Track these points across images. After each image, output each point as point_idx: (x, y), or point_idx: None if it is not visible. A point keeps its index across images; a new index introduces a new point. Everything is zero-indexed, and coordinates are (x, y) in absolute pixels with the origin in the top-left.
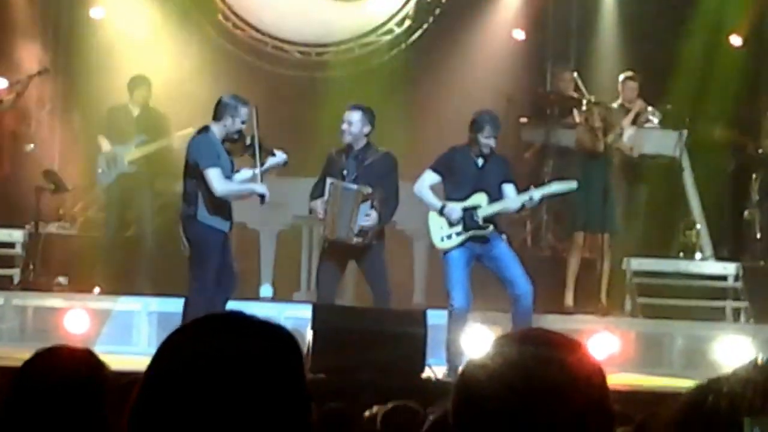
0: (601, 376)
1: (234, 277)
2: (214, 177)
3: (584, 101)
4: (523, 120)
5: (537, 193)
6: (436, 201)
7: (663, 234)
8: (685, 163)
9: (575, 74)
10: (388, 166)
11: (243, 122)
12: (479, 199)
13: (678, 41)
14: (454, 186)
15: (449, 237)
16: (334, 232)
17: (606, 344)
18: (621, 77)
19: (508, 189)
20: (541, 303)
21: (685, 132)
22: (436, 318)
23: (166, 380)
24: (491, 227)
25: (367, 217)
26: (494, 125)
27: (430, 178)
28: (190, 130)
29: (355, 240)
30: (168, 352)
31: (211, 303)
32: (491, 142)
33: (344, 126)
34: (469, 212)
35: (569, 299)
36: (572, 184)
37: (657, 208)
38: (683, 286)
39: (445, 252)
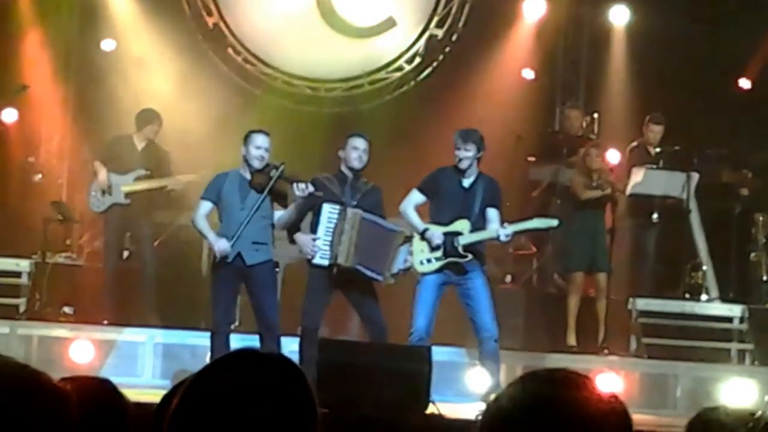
0: (623, 413)
1: (266, 317)
2: (198, 208)
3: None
4: (531, 159)
5: (511, 229)
6: (419, 223)
7: (669, 275)
8: (693, 205)
9: (585, 113)
10: (380, 199)
11: (258, 148)
12: (462, 225)
13: (687, 83)
14: (438, 209)
15: (429, 261)
16: (348, 259)
17: (610, 384)
18: (647, 119)
19: (492, 214)
20: (546, 342)
21: (694, 174)
22: (442, 355)
23: (193, 412)
24: (470, 256)
25: (406, 261)
26: (464, 137)
27: (415, 198)
28: (191, 177)
29: (392, 281)
30: (195, 386)
31: (225, 340)
32: (461, 154)
33: (356, 153)
34: (450, 238)
35: (572, 339)
36: (552, 222)
37: (664, 248)
38: (688, 327)
39: (422, 274)
